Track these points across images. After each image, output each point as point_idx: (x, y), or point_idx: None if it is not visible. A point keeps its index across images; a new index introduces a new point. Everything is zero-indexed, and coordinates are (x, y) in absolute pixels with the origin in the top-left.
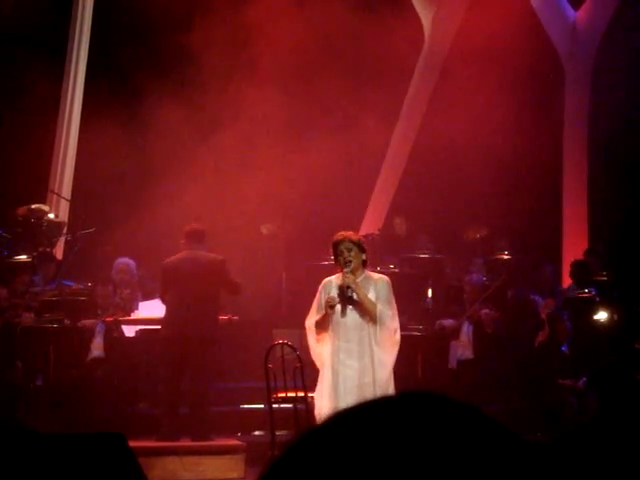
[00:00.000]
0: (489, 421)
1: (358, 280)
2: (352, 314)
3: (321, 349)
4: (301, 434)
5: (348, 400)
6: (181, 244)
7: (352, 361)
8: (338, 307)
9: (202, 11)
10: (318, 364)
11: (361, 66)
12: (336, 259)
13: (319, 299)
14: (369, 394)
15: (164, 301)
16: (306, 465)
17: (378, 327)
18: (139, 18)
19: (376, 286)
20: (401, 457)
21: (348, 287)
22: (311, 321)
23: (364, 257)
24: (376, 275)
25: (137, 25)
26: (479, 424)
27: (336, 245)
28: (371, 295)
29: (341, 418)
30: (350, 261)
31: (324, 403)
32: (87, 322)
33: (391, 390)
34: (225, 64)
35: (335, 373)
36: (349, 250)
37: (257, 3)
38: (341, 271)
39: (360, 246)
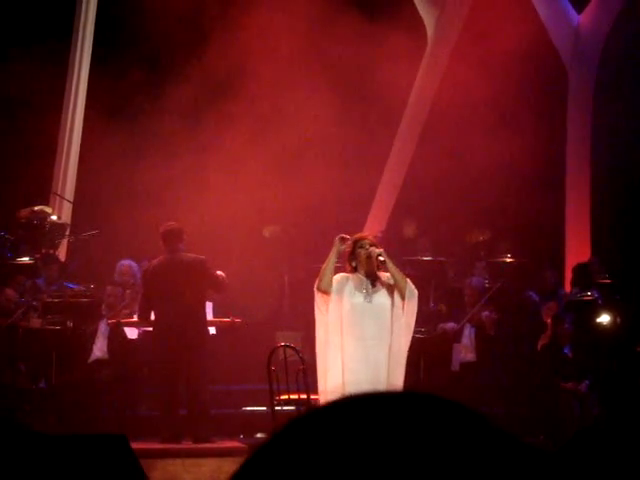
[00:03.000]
0: (484, 422)
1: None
2: (370, 310)
3: (327, 309)
4: (290, 423)
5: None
6: (160, 246)
7: (369, 357)
8: (357, 302)
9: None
10: (321, 331)
11: (364, 71)
12: (352, 253)
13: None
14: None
15: (141, 307)
16: (287, 455)
17: (407, 300)
18: (145, 19)
19: (389, 279)
20: (395, 456)
21: (379, 255)
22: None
23: None
24: (385, 273)
25: (142, 26)
26: (473, 424)
27: (357, 241)
28: (387, 287)
29: (336, 409)
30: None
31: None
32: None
33: (400, 373)
34: (229, 69)
35: (349, 370)
36: (371, 245)
37: (260, 25)
38: (350, 271)
39: (377, 248)
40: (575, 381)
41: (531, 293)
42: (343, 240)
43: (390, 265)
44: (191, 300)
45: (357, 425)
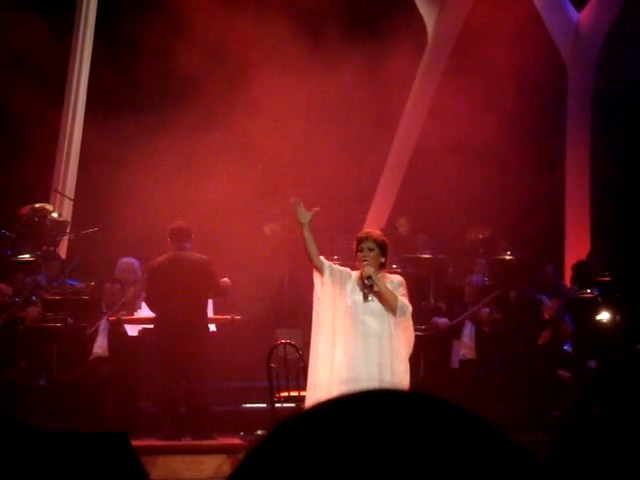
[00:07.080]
0: (479, 424)
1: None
2: (372, 308)
3: (321, 285)
4: (279, 426)
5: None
6: (167, 243)
7: (370, 356)
8: (358, 299)
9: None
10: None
11: (364, 70)
12: (356, 254)
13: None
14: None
15: (149, 303)
16: (282, 457)
17: (398, 319)
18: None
19: (392, 283)
20: (389, 457)
21: (368, 277)
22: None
23: (383, 260)
24: (390, 275)
25: (144, 23)
26: (474, 428)
27: (359, 241)
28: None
29: (327, 409)
30: (366, 260)
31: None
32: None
33: (406, 383)
34: (232, 68)
35: (351, 369)
36: (370, 250)
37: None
38: (355, 268)
39: (382, 247)
40: (575, 379)
41: (542, 296)
42: (298, 203)
43: (380, 287)
44: (193, 298)
45: (355, 423)
